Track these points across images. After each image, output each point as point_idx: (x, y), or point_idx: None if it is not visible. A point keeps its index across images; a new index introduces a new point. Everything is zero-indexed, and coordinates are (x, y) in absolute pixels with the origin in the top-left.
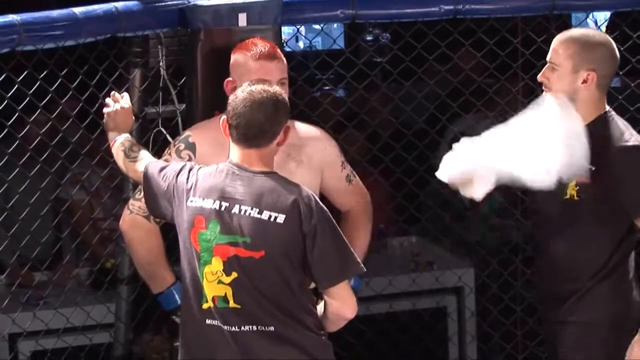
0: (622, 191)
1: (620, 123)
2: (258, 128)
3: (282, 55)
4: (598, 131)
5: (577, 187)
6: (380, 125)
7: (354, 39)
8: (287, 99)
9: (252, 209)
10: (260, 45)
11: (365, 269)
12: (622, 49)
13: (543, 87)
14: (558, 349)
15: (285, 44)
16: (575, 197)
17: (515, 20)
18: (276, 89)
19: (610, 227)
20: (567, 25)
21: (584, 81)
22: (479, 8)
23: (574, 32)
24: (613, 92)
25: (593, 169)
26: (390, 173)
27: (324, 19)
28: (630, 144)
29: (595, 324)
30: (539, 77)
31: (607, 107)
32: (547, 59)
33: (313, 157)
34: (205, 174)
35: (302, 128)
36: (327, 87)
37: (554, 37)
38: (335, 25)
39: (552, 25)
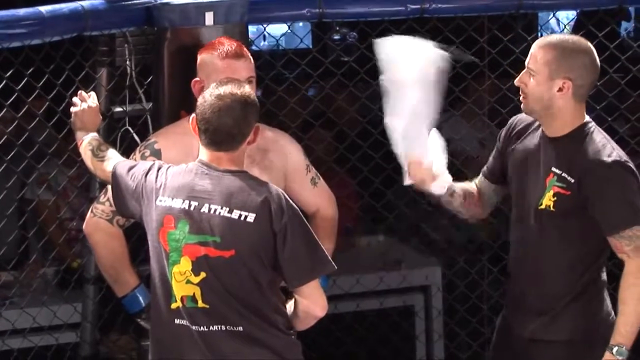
0: (599, 207)
1: (601, 136)
2: (226, 133)
3: (249, 54)
4: (577, 143)
5: (555, 198)
6: (348, 123)
7: (322, 38)
8: (256, 99)
9: (222, 208)
10: (227, 44)
11: (336, 267)
12: None
13: (520, 92)
14: None
15: (252, 43)
16: (552, 208)
17: (482, 19)
18: (245, 90)
19: (583, 241)
20: (533, 24)
21: (560, 89)
22: (445, 7)
23: (554, 37)
24: None
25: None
26: (357, 171)
27: (290, 17)
28: (612, 159)
29: (570, 342)
30: (516, 82)
31: (587, 118)
32: (526, 63)
33: (277, 161)
34: (174, 173)
35: (266, 132)
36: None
37: (520, 36)
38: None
39: (518, 24)
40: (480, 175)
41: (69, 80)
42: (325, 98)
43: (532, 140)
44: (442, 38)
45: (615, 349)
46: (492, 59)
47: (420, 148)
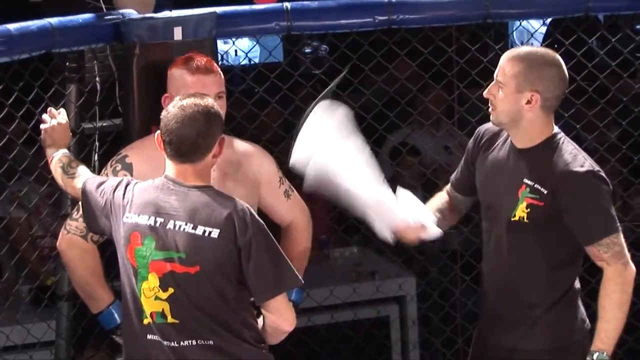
0: (576, 217)
1: (571, 146)
2: (190, 143)
3: (219, 69)
4: (548, 154)
5: (528, 210)
6: None
7: (292, 51)
8: (220, 111)
9: (186, 224)
10: (197, 60)
11: (303, 282)
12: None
13: (489, 104)
14: None
15: (222, 58)
16: (525, 220)
17: (450, 30)
18: (208, 101)
19: (557, 250)
20: (501, 34)
21: (528, 102)
22: (413, 18)
23: (522, 50)
24: None
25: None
26: None
27: (259, 31)
28: (584, 169)
29: (547, 351)
30: (485, 94)
31: (556, 129)
32: (495, 75)
33: (250, 174)
34: (141, 189)
35: (239, 145)
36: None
37: (488, 45)
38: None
39: (488, 33)
40: (449, 185)
41: (39, 98)
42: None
43: (501, 151)
44: (411, 49)
45: (596, 355)
46: (462, 68)
47: (399, 213)
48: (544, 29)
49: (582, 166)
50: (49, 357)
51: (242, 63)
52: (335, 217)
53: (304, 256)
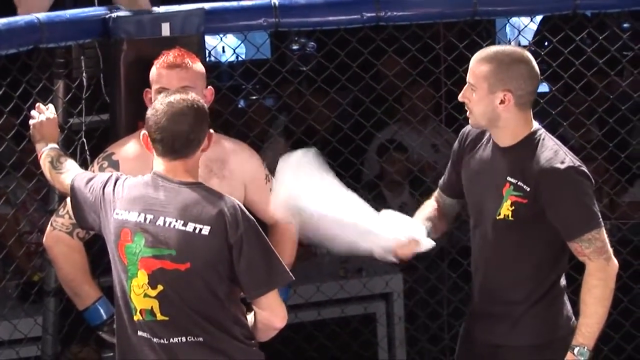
0: (557, 213)
1: (552, 142)
2: (184, 139)
3: (192, 64)
4: (529, 151)
5: (513, 207)
6: (308, 131)
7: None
8: (204, 105)
9: (177, 221)
10: (171, 54)
11: (293, 278)
12: (542, 53)
13: (466, 107)
14: None
15: (209, 54)
16: (510, 218)
17: (438, 27)
18: (192, 96)
19: (542, 248)
20: (489, 31)
21: (502, 101)
22: (401, 15)
23: (490, 50)
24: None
25: None
26: None
27: (246, 27)
28: (565, 165)
29: (532, 347)
30: (460, 98)
31: (536, 125)
32: (467, 78)
33: (236, 171)
34: (130, 185)
35: (225, 142)
36: (254, 97)
37: (476, 42)
38: None
39: (476, 30)
40: (438, 190)
41: (26, 93)
42: (290, 108)
43: (485, 151)
44: (399, 46)
45: (576, 350)
46: (450, 65)
47: (389, 235)
48: (534, 26)
49: (562, 162)
50: (35, 353)
51: (230, 60)
52: None
53: (290, 254)
